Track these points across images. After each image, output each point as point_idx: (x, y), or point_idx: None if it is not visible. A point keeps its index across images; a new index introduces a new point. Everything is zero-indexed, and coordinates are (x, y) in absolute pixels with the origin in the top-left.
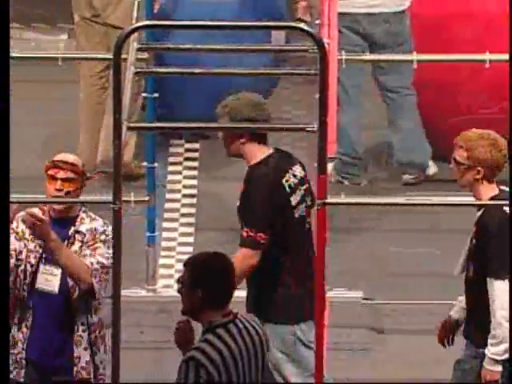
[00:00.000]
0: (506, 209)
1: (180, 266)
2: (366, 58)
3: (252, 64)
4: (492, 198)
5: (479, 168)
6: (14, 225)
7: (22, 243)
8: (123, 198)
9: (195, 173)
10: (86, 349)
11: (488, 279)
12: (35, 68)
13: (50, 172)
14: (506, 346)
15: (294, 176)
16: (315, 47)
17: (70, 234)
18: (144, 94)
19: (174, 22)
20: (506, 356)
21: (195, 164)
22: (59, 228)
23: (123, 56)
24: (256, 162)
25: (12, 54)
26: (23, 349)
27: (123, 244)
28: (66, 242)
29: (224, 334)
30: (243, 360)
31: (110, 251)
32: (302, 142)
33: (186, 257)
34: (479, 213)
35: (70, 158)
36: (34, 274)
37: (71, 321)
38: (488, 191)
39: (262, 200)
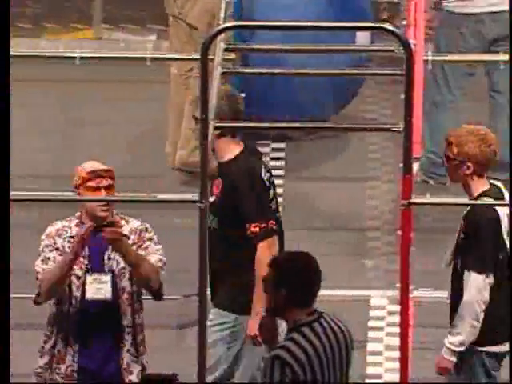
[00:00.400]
0: (495, 203)
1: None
2: (450, 59)
3: (338, 64)
4: (483, 193)
5: (469, 163)
6: (50, 241)
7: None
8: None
9: (281, 172)
10: (128, 350)
11: (465, 271)
12: (124, 68)
13: (91, 183)
14: (462, 338)
15: (268, 172)
16: (401, 48)
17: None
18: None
19: (262, 22)
20: (462, 349)
21: (281, 163)
22: (99, 235)
23: (210, 56)
24: (232, 157)
25: (104, 55)
26: (74, 361)
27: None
28: (110, 247)
29: (309, 332)
30: (328, 358)
31: (159, 247)
32: (387, 142)
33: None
34: (468, 207)
35: (101, 165)
36: (82, 285)
37: (120, 324)
38: (479, 186)
39: (258, 189)
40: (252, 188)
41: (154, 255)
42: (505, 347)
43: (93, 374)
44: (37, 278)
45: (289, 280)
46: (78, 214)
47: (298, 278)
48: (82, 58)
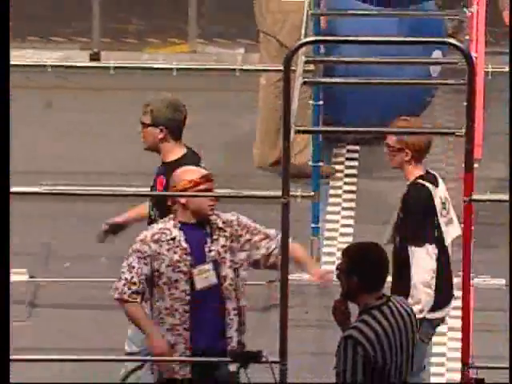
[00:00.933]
0: (429, 185)
1: (340, 255)
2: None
3: (411, 76)
4: (418, 178)
5: (407, 151)
6: (142, 248)
7: (154, 264)
8: (291, 193)
9: (355, 171)
10: (236, 330)
11: (409, 247)
12: (216, 79)
13: (202, 186)
14: (420, 307)
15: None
16: (464, 60)
17: (210, 232)
18: (311, 102)
19: (338, 37)
20: (421, 316)
21: (355, 164)
22: (197, 230)
23: (293, 68)
24: (175, 158)
25: (198, 66)
26: (186, 348)
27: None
28: (209, 240)
29: (378, 314)
30: (395, 339)
31: (257, 225)
32: (449, 145)
33: (345, 246)
34: (405, 190)
35: (204, 170)
36: (190, 279)
37: (224, 307)
38: (415, 171)
39: None
40: None
41: (265, 242)
42: (439, 314)
43: (204, 354)
44: (120, 279)
45: (360, 268)
46: (171, 216)
47: (368, 266)
48: (178, 69)
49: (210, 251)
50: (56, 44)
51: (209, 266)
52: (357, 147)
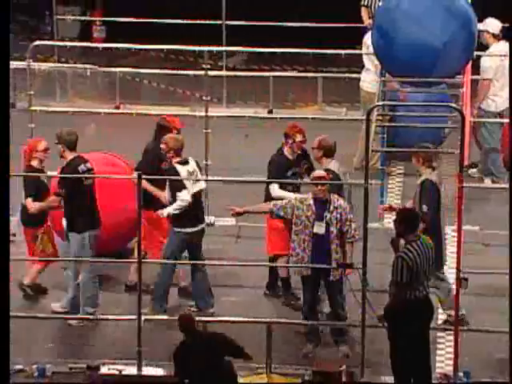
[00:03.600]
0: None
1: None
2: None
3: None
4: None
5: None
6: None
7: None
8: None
9: (402, 171)
10: (337, 254)
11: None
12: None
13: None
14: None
15: (88, 168)
16: (459, 114)
17: (330, 209)
18: (380, 135)
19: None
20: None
21: (402, 168)
22: (321, 206)
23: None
24: (67, 161)
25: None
26: (303, 258)
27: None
28: (328, 214)
29: (414, 245)
30: (426, 259)
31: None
32: (450, 157)
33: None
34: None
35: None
36: (312, 227)
37: (329, 246)
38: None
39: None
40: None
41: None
42: (191, 229)
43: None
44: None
45: (405, 220)
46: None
47: (408, 219)
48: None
49: (326, 216)
50: None
51: (323, 223)
52: (402, 164)
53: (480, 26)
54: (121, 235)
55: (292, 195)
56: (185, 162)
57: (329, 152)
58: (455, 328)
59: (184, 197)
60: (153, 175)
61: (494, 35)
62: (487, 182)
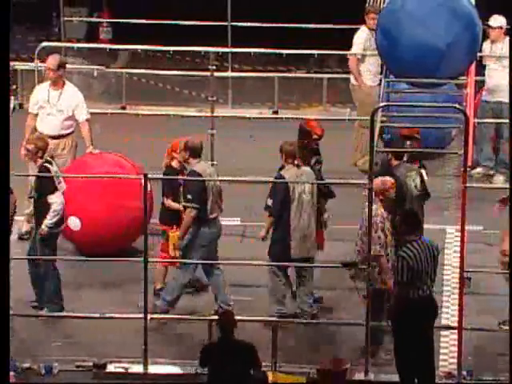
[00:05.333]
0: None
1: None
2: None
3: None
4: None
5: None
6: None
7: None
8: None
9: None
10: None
11: None
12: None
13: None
14: None
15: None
16: (463, 115)
17: None
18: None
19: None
20: None
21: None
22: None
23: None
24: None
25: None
26: None
27: None
28: None
29: (415, 244)
30: (426, 258)
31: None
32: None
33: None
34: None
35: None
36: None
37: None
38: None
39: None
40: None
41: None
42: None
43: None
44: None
45: (406, 220)
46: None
47: (411, 219)
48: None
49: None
50: None
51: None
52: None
53: (491, 23)
54: (128, 235)
55: None
56: None
57: (195, 152)
58: (458, 327)
59: (54, 200)
60: None
61: (506, 30)
62: (497, 179)
